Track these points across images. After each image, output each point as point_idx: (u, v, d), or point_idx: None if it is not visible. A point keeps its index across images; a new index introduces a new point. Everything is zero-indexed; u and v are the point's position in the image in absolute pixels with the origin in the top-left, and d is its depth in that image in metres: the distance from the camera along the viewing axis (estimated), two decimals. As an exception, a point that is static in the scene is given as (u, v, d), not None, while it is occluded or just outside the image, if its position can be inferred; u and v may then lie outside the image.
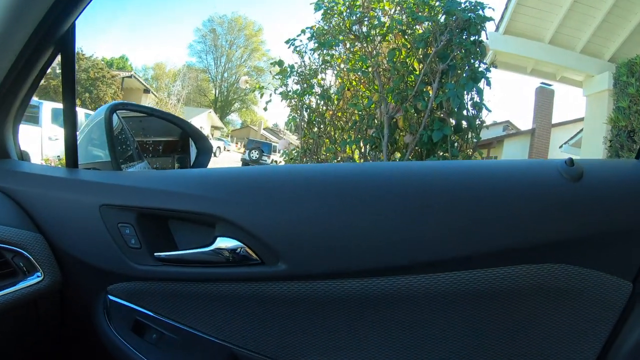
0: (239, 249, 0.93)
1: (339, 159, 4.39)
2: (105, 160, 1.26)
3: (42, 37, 1.04)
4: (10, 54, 1.04)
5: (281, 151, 5.17)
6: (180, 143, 1.71)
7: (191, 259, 0.98)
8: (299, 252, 0.90)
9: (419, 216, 0.84)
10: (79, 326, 1.12)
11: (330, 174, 0.97)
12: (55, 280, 1.04)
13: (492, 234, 0.82)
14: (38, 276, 1.01)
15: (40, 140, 9.38)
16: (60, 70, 1.14)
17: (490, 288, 0.83)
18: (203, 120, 32.89)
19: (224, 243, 0.94)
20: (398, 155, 4.09)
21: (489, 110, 3.66)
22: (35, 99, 9.83)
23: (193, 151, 1.69)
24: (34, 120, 9.41)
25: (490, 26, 3.99)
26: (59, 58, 1.16)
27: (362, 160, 4.24)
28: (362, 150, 4.24)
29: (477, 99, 3.61)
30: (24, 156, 1.32)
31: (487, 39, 3.77)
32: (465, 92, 3.49)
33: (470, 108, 3.67)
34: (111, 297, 1.07)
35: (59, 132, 9.45)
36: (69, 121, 1.16)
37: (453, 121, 3.65)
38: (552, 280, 0.82)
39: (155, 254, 1.00)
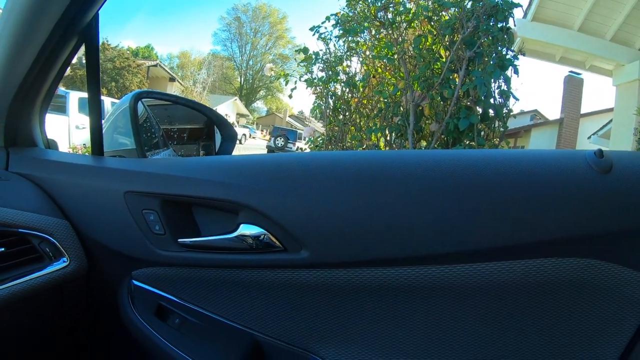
0: (262, 236, 0.93)
1: (364, 146, 4.35)
2: (131, 148, 1.28)
3: (65, 28, 1.06)
4: (35, 45, 1.06)
5: (306, 139, 5.16)
6: (205, 130, 1.74)
7: (214, 245, 0.99)
8: (321, 241, 0.90)
9: (444, 206, 0.83)
10: (104, 310, 1.15)
11: (354, 162, 0.96)
12: (81, 266, 1.07)
13: (518, 226, 0.81)
14: (64, 261, 1.04)
15: (68, 129, 9.55)
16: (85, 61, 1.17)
17: (514, 280, 0.82)
18: (228, 108, 32.99)
19: (247, 230, 0.95)
20: (424, 143, 4.04)
21: (517, 99, 3.57)
22: (62, 89, 9.99)
23: (218, 138, 1.71)
24: (62, 109, 9.57)
25: (518, 13, 3.92)
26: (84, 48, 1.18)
27: (387, 149, 4.20)
28: (388, 138, 4.20)
29: (504, 87, 3.54)
30: (50, 144, 1.35)
31: (514, 25, 3.68)
32: (492, 80, 3.41)
33: (497, 96, 3.59)
34: (135, 282, 1.10)
35: (86, 121, 9.56)
36: (94, 110, 1.19)
37: (480, 109, 3.58)
38: (577, 275, 0.80)
39: (179, 240, 1.02)
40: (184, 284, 1.06)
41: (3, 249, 0.95)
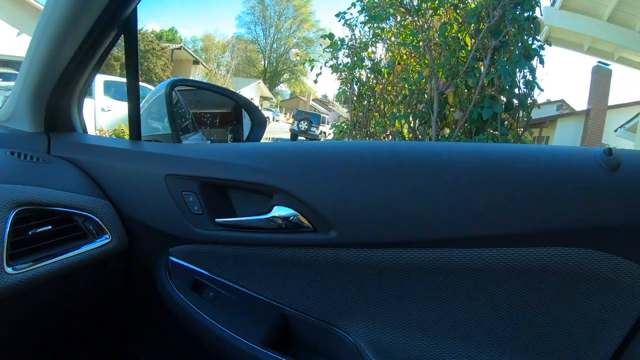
0: (293, 217, 1.00)
1: (387, 132, 4.41)
2: (163, 133, 1.35)
3: (106, 22, 1.12)
4: (77, 38, 1.12)
5: (330, 123, 5.21)
6: (234, 115, 1.78)
7: (249, 225, 1.05)
8: (349, 222, 0.96)
9: (465, 194, 0.89)
10: (143, 284, 1.22)
11: (382, 151, 1.02)
12: (122, 242, 1.14)
13: (530, 215, 0.85)
14: (106, 238, 1.11)
15: (94, 111, 9.68)
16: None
17: (523, 266, 0.87)
18: (252, 91, 32.94)
19: (280, 212, 1.01)
20: (447, 131, 4.08)
21: (541, 90, 3.59)
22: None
23: (246, 123, 1.75)
24: (88, 92, 9.73)
25: (545, 1, 3.89)
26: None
27: (410, 135, 4.25)
28: (411, 125, 4.24)
29: (529, 77, 3.55)
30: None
31: (541, 15, 3.68)
32: (517, 70, 3.43)
33: (522, 86, 3.60)
34: (172, 258, 1.17)
35: (110, 104, 9.74)
36: (133, 96, 1.25)
37: (504, 99, 3.60)
38: (581, 264, 0.85)
39: (216, 219, 1.08)
40: (219, 260, 1.13)
41: (50, 227, 1.01)
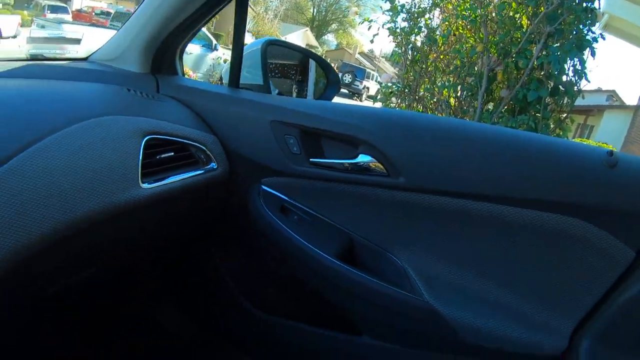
0: (372, 164, 1.22)
1: (435, 99, 4.58)
2: (252, 83, 1.50)
3: None
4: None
5: (376, 79, 5.35)
6: (300, 69, 1.89)
7: (337, 166, 1.27)
8: (417, 172, 1.19)
9: (507, 166, 1.14)
10: (239, 208, 1.42)
11: (452, 122, 1.27)
12: (225, 171, 1.33)
13: (546, 189, 1.10)
14: (213, 167, 1.29)
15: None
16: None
17: (534, 225, 1.12)
18: (298, 38, 32.09)
19: (363, 159, 1.23)
20: (491, 105, 4.21)
21: (588, 81, 3.66)
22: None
23: (310, 79, 1.87)
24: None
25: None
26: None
27: (456, 104, 4.40)
28: (458, 95, 4.39)
29: (578, 66, 3.62)
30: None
31: (599, 7, 3.70)
32: (567, 58, 3.50)
33: (570, 74, 3.69)
34: (264, 187, 1.37)
35: (190, 48, 9.92)
36: (238, 48, 1.40)
37: (551, 83, 3.68)
38: (573, 230, 1.09)
39: (310, 159, 1.30)
40: (305, 191, 1.34)
41: (172, 154, 1.19)
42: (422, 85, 4.71)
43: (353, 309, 1.31)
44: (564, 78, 3.70)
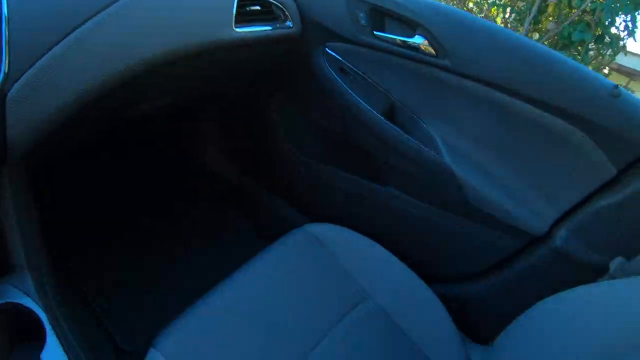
0: (424, 44, 1.35)
1: (482, 14, 4.52)
2: None
3: None
4: None
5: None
6: None
7: (395, 41, 1.40)
8: (462, 57, 1.30)
9: (531, 72, 1.23)
10: (304, 65, 1.58)
11: (496, 28, 1.30)
12: (297, 30, 1.49)
13: (555, 96, 1.21)
14: (289, 25, 1.45)
15: None
16: None
17: (544, 124, 1.24)
18: None
19: (418, 39, 1.36)
20: (536, 35, 4.21)
21: (635, 40, 3.65)
22: None
23: None
24: None
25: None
26: None
27: (502, 25, 4.20)
28: (506, 16, 4.36)
29: (630, 23, 3.60)
30: None
31: None
32: (620, 12, 3.45)
33: (621, 28, 3.67)
34: (328, 50, 1.52)
35: None
36: None
37: (600, 30, 3.65)
38: (572, 137, 1.21)
39: (374, 32, 1.43)
40: (362, 58, 1.48)
41: (259, 7, 1.34)
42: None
43: (387, 159, 1.52)
44: (613, 30, 3.68)
